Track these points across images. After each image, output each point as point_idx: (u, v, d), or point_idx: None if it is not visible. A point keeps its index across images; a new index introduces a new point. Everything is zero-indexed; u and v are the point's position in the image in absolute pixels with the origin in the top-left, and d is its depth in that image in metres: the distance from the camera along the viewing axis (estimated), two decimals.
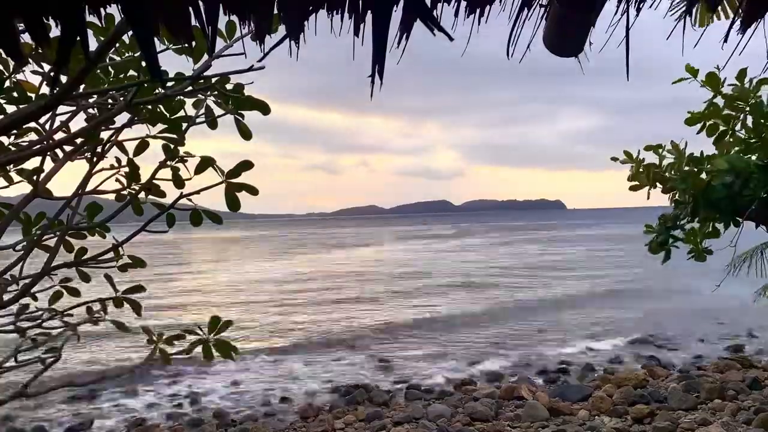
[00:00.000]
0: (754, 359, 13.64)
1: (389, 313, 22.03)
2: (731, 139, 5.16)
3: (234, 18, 1.66)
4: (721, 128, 5.17)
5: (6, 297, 2.69)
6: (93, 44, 1.99)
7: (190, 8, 1.50)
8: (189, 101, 2.72)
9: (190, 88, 2.49)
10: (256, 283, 32.93)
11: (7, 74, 2.48)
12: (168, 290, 28.50)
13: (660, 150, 5.26)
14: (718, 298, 18.84)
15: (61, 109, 2.59)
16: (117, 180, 2.94)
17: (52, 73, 2.20)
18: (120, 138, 2.88)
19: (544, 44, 2.07)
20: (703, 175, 5.02)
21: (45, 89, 2.48)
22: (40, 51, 2.32)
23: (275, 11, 1.61)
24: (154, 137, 2.78)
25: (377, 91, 1.79)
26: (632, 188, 5.38)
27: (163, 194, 2.92)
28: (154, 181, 2.88)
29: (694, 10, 2.34)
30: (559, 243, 64.49)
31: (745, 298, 11.79)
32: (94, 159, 2.88)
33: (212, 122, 2.69)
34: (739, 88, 5.03)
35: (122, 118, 2.71)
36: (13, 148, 2.70)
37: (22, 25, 1.50)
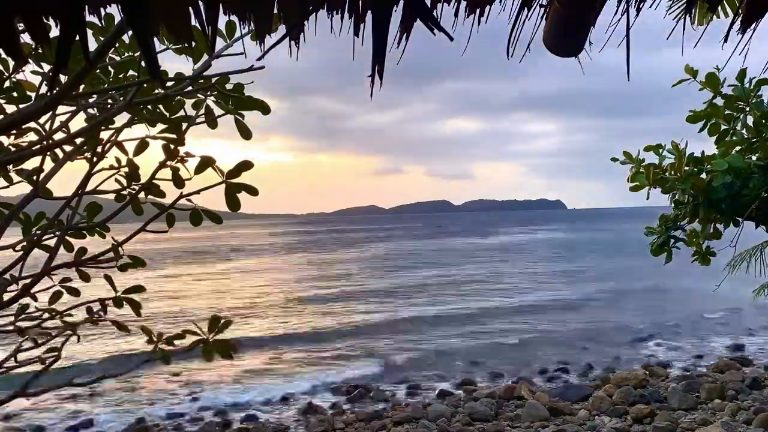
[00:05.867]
0: (754, 359, 13.63)
1: (388, 313, 22.02)
2: (734, 138, 5.15)
3: (234, 18, 1.66)
4: (723, 127, 5.16)
5: (6, 297, 2.69)
6: (93, 44, 1.99)
7: (190, 8, 1.50)
8: (189, 101, 2.71)
9: (189, 88, 2.49)
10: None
11: (6, 74, 2.48)
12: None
13: (660, 150, 5.25)
14: (718, 298, 18.85)
15: (61, 109, 2.59)
16: (117, 180, 2.94)
17: (51, 73, 2.20)
18: (120, 138, 2.88)
19: (544, 44, 2.07)
20: (704, 175, 5.01)
21: (45, 89, 2.48)
22: (39, 51, 2.32)
23: (275, 11, 1.61)
24: (154, 137, 2.78)
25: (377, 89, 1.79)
26: (632, 188, 5.37)
27: (162, 194, 2.92)
28: (154, 181, 2.87)
29: (693, 10, 2.34)
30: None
31: (745, 297, 11.78)
32: (94, 159, 2.88)
33: (212, 122, 2.69)
34: (738, 89, 5.03)
35: (122, 118, 2.71)
36: (12, 148, 2.69)
37: (21, 24, 1.49)
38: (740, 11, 2.12)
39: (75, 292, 3.15)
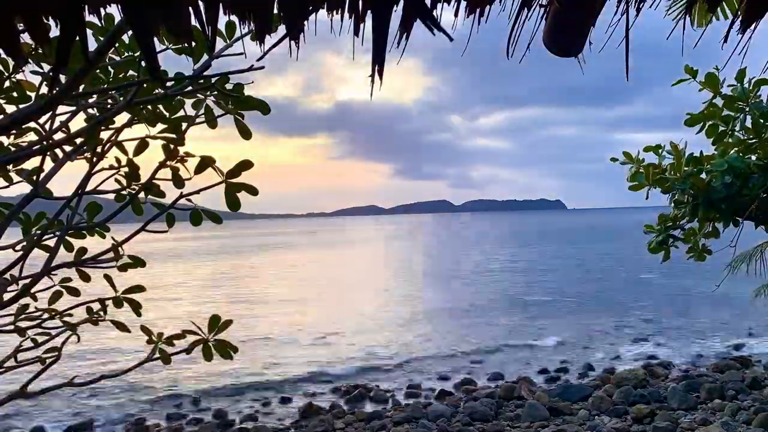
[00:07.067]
0: (754, 359, 13.64)
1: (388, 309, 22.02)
2: (730, 140, 5.16)
3: (234, 18, 1.66)
4: (721, 129, 5.17)
5: (6, 297, 2.69)
6: (92, 44, 1.99)
7: (190, 8, 1.50)
8: (188, 101, 2.71)
9: (189, 87, 2.49)
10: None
11: (6, 74, 2.48)
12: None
13: (660, 150, 5.26)
14: (718, 298, 18.85)
15: (61, 109, 2.59)
16: (117, 180, 2.94)
17: (51, 73, 2.20)
18: (120, 138, 2.88)
19: (544, 44, 2.07)
20: (703, 176, 5.02)
21: (45, 89, 2.48)
22: (39, 51, 2.32)
23: (275, 11, 1.61)
24: (154, 137, 2.78)
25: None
26: (632, 188, 5.38)
27: (162, 194, 2.92)
28: (154, 181, 2.87)
29: (693, 11, 2.34)
30: None
31: (745, 298, 11.79)
32: (94, 159, 2.88)
33: (212, 122, 2.69)
34: (738, 89, 5.04)
35: (122, 118, 2.71)
36: (12, 148, 2.70)
37: (21, 24, 1.49)
38: (740, 12, 2.12)
39: (75, 292, 3.16)
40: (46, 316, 3.12)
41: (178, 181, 2.84)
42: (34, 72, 2.50)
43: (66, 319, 3.15)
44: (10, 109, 2.48)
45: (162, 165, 2.83)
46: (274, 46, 1.85)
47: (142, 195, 2.90)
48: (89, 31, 2.05)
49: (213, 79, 2.44)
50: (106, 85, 2.56)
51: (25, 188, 2.76)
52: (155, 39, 1.62)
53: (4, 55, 2.39)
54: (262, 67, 2.16)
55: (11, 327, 3.04)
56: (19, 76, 2.51)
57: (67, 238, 2.91)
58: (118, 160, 2.94)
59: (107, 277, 3.08)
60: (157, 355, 3.11)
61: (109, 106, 2.62)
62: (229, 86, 2.51)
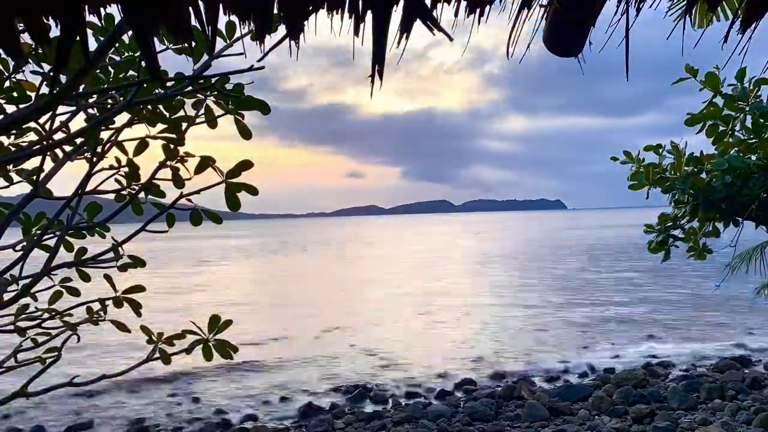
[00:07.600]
0: (754, 359, 13.64)
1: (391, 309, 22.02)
2: (731, 140, 5.16)
3: (234, 18, 1.66)
4: (721, 128, 5.17)
5: (6, 297, 2.69)
6: (93, 44, 1.99)
7: (190, 8, 1.50)
8: (188, 101, 2.71)
9: (189, 87, 2.49)
10: None
11: (6, 74, 2.48)
12: None
13: (660, 150, 5.27)
14: (719, 298, 18.86)
15: (61, 109, 2.59)
16: (117, 180, 2.94)
17: (51, 73, 2.20)
18: (120, 138, 2.88)
19: (544, 44, 2.07)
20: (703, 175, 5.02)
21: (45, 89, 2.48)
22: (39, 51, 2.32)
23: (275, 11, 1.61)
24: (154, 137, 2.78)
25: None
26: (631, 188, 5.38)
27: (162, 194, 2.92)
28: (154, 181, 2.88)
29: (693, 11, 2.34)
30: None
31: (745, 297, 11.80)
32: (94, 159, 2.88)
33: (212, 122, 2.69)
34: (738, 89, 5.04)
35: (122, 118, 2.71)
36: (12, 148, 2.70)
37: (21, 24, 1.49)
38: (740, 12, 2.12)
39: (75, 292, 3.16)
40: (46, 316, 3.13)
41: (178, 181, 2.84)
42: (34, 72, 2.50)
43: (66, 319, 3.15)
44: (10, 109, 2.48)
45: (162, 165, 2.83)
46: (274, 46, 1.85)
47: (142, 195, 2.90)
48: (89, 31, 2.05)
49: (213, 79, 2.44)
50: (106, 85, 2.56)
51: (25, 188, 2.76)
52: (155, 39, 1.62)
53: (4, 55, 2.39)
54: (262, 67, 2.16)
55: (11, 327, 3.04)
56: (19, 76, 2.51)
57: (67, 238, 2.91)
58: (118, 160, 2.94)
59: (107, 277, 3.08)
60: (157, 355, 3.11)
61: (109, 106, 2.62)
62: (228, 86, 2.51)
